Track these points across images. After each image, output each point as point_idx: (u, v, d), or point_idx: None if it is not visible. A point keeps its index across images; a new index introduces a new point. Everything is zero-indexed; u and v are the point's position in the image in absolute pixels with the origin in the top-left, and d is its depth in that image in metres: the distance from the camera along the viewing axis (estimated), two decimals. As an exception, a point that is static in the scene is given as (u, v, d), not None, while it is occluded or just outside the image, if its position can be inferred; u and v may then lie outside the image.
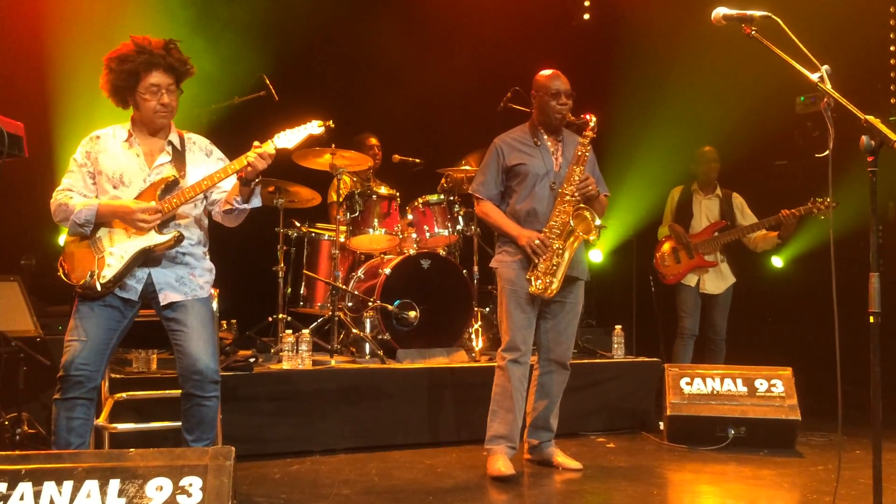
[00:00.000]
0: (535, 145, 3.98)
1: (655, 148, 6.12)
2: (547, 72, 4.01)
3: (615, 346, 5.49)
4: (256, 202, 3.28)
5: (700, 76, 6.42)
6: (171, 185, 3.20)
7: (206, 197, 3.33)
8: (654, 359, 5.51)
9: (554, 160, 3.97)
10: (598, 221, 3.90)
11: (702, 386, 4.75)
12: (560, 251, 3.85)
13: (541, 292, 3.85)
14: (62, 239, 3.62)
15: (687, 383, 4.77)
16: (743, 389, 4.72)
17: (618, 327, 5.55)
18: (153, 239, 3.15)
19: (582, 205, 3.89)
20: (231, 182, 3.27)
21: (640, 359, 5.54)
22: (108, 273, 3.10)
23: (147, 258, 3.16)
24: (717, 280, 5.69)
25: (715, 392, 4.72)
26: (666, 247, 5.75)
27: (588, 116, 3.91)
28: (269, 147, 3.17)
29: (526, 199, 3.94)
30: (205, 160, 3.34)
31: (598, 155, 4.13)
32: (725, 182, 5.85)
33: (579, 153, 3.90)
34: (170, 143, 3.29)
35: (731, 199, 5.79)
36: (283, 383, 4.46)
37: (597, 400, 5.16)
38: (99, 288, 3.09)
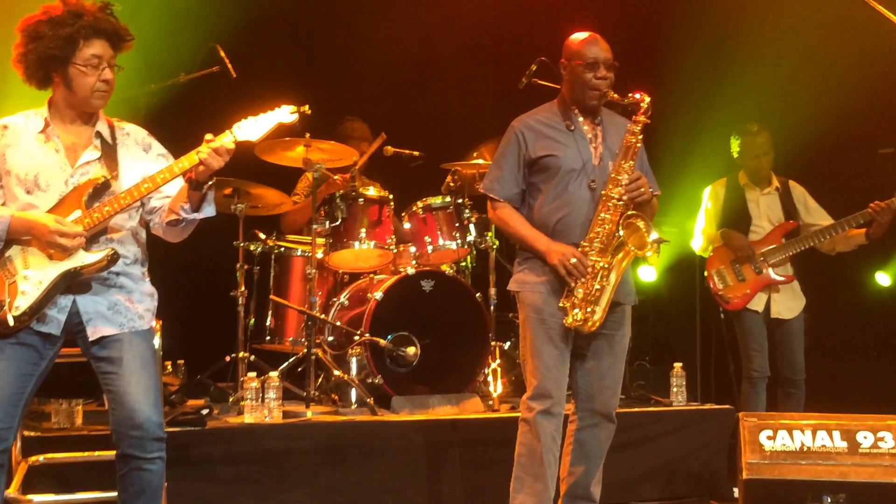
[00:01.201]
0: (568, 130, 3.95)
1: (723, 137, 6.14)
2: (581, 35, 3.97)
3: (674, 390, 5.50)
4: (209, 211, 3.32)
5: (780, 42, 6.46)
6: (100, 189, 3.23)
7: (142, 204, 3.37)
8: (726, 406, 5.51)
9: (592, 150, 3.93)
10: (654, 234, 3.85)
11: (788, 441, 4.75)
12: (605, 272, 3.81)
13: (579, 325, 3.80)
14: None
15: (768, 437, 4.76)
16: (842, 445, 4.71)
17: (677, 366, 5.56)
18: (80, 259, 3.18)
19: (632, 211, 3.85)
20: (176, 185, 3.31)
21: (708, 406, 5.54)
22: (23, 303, 3.13)
23: (72, 283, 3.20)
24: (790, 300, 5.64)
25: (805, 448, 4.71)
26: (719, 261, 5.73)
27: (639, 95, 3.87)
28: (227, 140, 3.21)
29: (556, 201, 3.90)
30: (142, 157, 3.38)
31: (646, 145, 4.12)
32: (781, 168, 5.83)
33: (628, 144, 3.86)
34: (98, 134, 3.33)
35: (790, 191, 5.74)
36: (246, 442, 4.48)
37: (652, 460, 5.16)
38: (11, 322, 3.12)
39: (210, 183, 3.24)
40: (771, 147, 5.72)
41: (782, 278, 5.60)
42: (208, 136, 3.22)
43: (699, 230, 5.86)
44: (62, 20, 3.18)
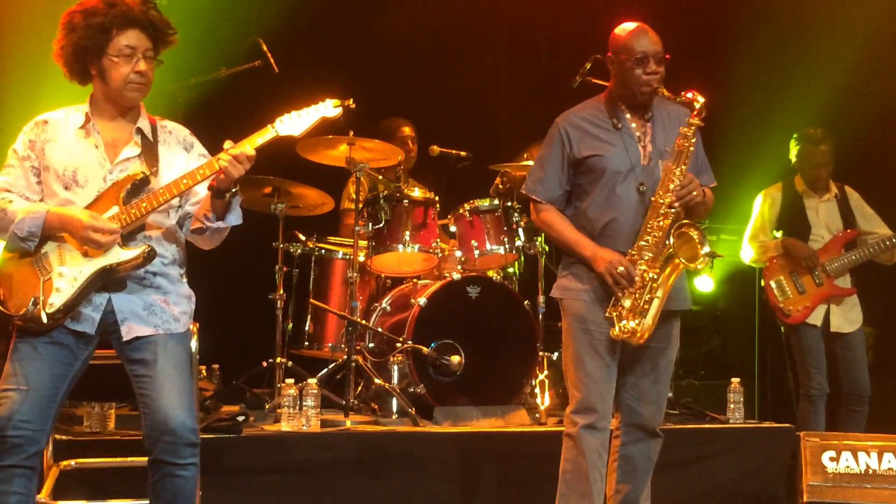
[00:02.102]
0: (615, 129, 3.89)
1: (785, 141, 6.08)
2: (629, 26, 3.89)
3: (731, 406, 5.45)
4: (234, 219, 3.35)
5: (848, 42, 6.38)
6: (138, 186, 3.27)
7: (180, 205, 3.41)
8: (786, 424, 5.45)
9: (641, 149, 3.88)
10: (706, 248, 3.80)
11: (852, 462, 4.71)
12: (653, 283, 3.76)
13: (627, 337, 3.77)
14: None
15: (831, 459, 4.72)
16: (909, 468, 4.66)
17: (735, 381, 5.51)
18: (116, 256, 3.22)
19: (686, 220, 3.81)
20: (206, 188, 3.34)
21: (766, 424, 5.49)
22: (57, 300, 3.18)
23: (107, 280, 3.23)
24: (849, 313, 5.59)
25: (871, 471, 4.67)
26: (779, 272, 5.66)
27: (692, 95, 3.81)
28: (246, 147, 3.21)
29: (603, 204, 3.85)
30: (182, 156, 3.41)
31: (706, 146, 4.07)
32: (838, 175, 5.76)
33: (681, 148, 3.79)
34: (139, 130, 3.37)
35: (847, 198, 5.68)
36: (282, 450, 4.51)
37: (705, 480, 5.12)
38: (45, 319, 3.16)
39: (234, 190, 3.26)
40: (832, 157, 5.67)
41: (846, 290, 5.54)
42: (227, 143, 3.24)
43: (749, 238, 5.80)
44: (95, 10, 3.24)
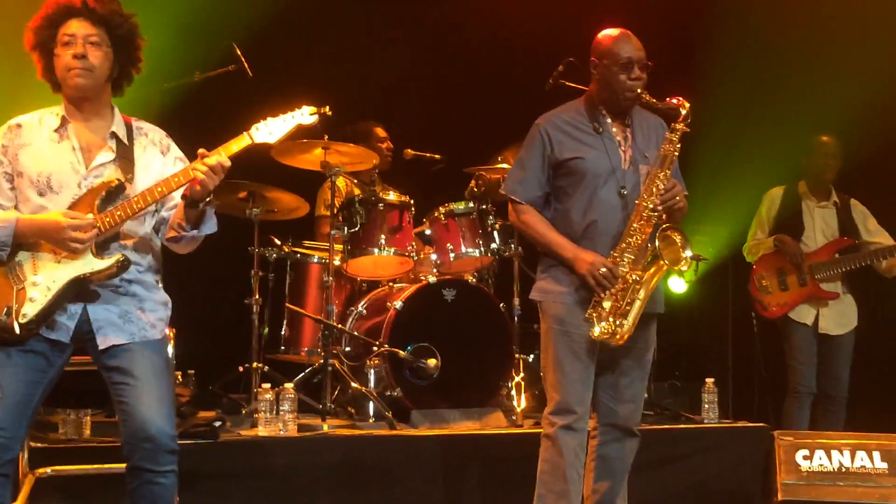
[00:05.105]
0: (596, 133, 3.91)
1: (762, 142, 6.13)
2: (612, 32, 3.92)
3: (706, 406, 5.48)
4: (210, 228, 3.33)
5: (836, 45, 6.39)
6: (113, 193, 3.25)
7: (156, 210, 3.39)
8: (760, 424, 5.50)
9: (622, 154, 3.91)
10: (689, 251, 3.82)
11: (825, 461, 4.74)
12: (636, 285, 3.78)
13: (607, 338, 3.78)
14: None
15: (805, 457, 4.75)
16: (882, 466, 4.69)
17: (709, 381, 5.54)
18: (90, 265, 3.19)
19: (668, 224, 3.82)
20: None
21: (741, 423, 5.52)
22: (31, 310, 3.15)
23: (82, 290, 3.21)
24: (840, 317, 5.69)
25: (844, 469, 4.70)
26: (765, 268, 5.74)
27: (678, 101, 3.84)
28: (221, 155, 3.20)
29: (585, 207, 3.87)
30: (159, 159, 3.40)
31: (681, 149, 4.09)
32: (845, 186, 5.83)
33: (666, 153, 3.82)
34: (113, 135, 3.34)
35: (850, 209, 5.78)
36: (259, 455, 4.49)
37: (681, 480, 5.15)
38: (17, 330, 3.14)
39: (208, 199, 3.24)
40: (836, 165, 5.78)
41: (828, 294, 5.61)
42: (201, 151, 3.22)
43: (749, 236, 5.95)
44: (48, 7, 3.27)
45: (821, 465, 4.74)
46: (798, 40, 6.50)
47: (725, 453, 5.28)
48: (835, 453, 4.76)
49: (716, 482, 5.22)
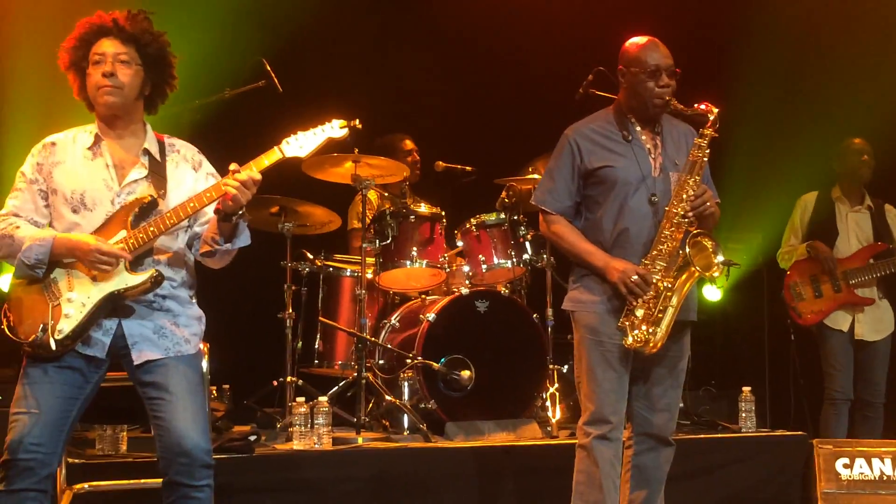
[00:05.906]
0: (626, 140, 3.90)
1: (795, 147, 6.09)
2: (640, 39, 3.92)
3: (743, 415, 5.44)
4: (243, 241, 3.35)
5: (860, 46, 6.35)
6: (146, 209, 3.27)
7: (189, 226, 3.41)
8: (799, 432, 5.45)
9: (651, 162, 3.89)
10: (721, 256, 3.80)
11: (866, 469, 4.69)
12: (668, 292, 3.76)
13: (640, 346, 3.77)
14: (5, 281, 3.73)
15: (845, 465, 4.71)
16: (924, 474, 4.65)
17: (746, 390, 5.50)
18: (124, 281, 3.22)
19: (699, 230, 3.80)
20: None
21: (779, 432, 5.48)
22: (66, 326, 3.17)
23: (116, 305, 3.23)
24: (876, 322, 5.65)
25: (885, 477, 4.66)
26: (799, 275, 5.69)
27: (705, 106, 3.82)
28: (252, 170, 3.22)
29: (615, 215, 3.86)
30: (191, 175, 3.42)
31: (712, 158, 4.06)
32: (878, 191, 5.79)
33: (695, 158, 3.81)
34: (145, 151, 3.37)
35: (884, 213, 5.74)
36: (293, 469, 4.50)
37: (719, 490, 5.10)
38: (53, 346, 3.16)
39: (241, 212, 3.26)
40: (870, 169, 5.75)
41: (864, 300, 5.56)
42: (233, 167, 3.24)
43: (783, 242, 5.93)
44: (81, 27, 3.31)
45: (861, 474, 4.70)
46: (828, 43, 6.47)
47: (764, 462, 5.24)
48: (875, 461, 4.72)
49: (754, 492, 5.18)
